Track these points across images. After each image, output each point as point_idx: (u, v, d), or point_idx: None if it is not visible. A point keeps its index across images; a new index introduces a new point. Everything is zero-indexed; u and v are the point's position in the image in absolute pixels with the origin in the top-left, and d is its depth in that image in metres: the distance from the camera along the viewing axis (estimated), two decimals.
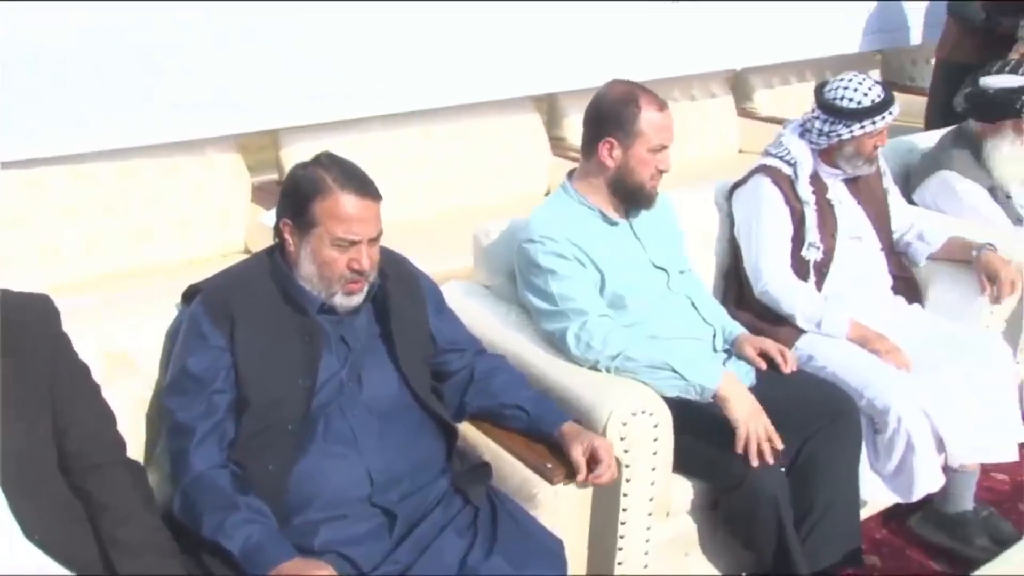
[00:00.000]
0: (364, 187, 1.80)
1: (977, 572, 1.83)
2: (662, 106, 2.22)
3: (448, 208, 3.86)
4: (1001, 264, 2.72)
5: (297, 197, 1.81)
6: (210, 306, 1.81)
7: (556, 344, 2.20)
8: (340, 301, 1.83)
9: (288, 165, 2.98)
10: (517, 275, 2.32)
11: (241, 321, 1.79)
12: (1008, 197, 3.15)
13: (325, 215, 1.78)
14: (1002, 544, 2.10)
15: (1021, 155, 3.14)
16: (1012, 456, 2.61)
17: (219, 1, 3.21)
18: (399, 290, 1.96)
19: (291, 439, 1.77)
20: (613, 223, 2.29)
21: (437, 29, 3.75)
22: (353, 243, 1.79)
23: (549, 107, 4.46)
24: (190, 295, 1.89)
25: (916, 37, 5.69)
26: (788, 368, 2.34)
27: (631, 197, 2.27)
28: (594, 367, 2.14)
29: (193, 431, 1.73)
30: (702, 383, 2.10)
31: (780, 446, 2.10)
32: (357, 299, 1.85)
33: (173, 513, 1.71)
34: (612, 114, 2.20)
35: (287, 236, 1.84)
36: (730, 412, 2.09)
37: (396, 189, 3.66)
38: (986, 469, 2.71)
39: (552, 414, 2.00)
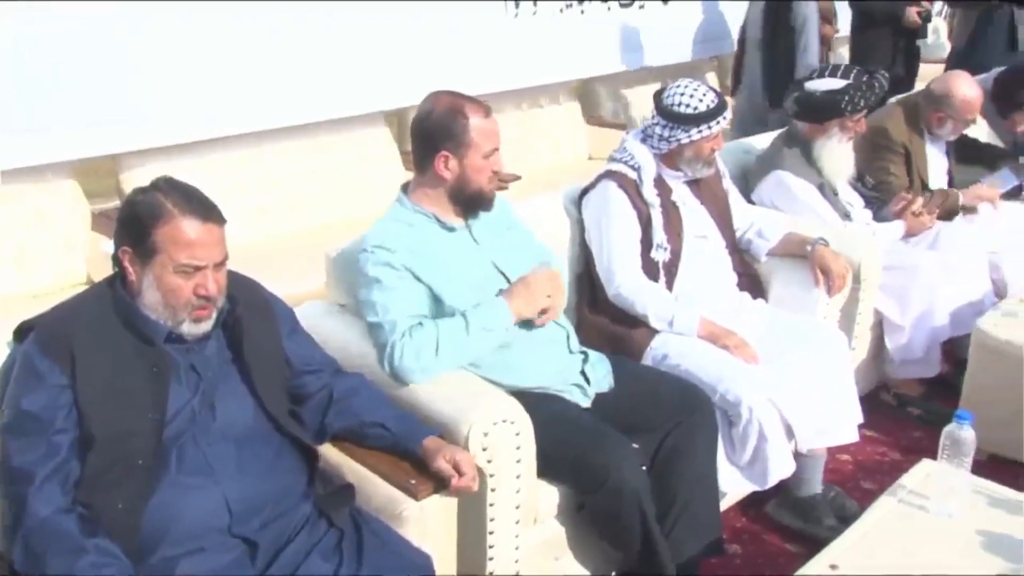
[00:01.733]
0: (206, 211, 1.75)
1: (825, 549, 1.96)
2: (487, 111, 2.25)
3: (302, 226, 3.80)
4: (832, 258, 2.87)
5: (136, 224, 1.75)
6: (46, 343, 1.72)
7: (381, 363, 2.17)
8: (188, 329, 1.78)
9: (129, 190, 2.86)
10: None
11: (82, 356, 1.70)
12: (835, 193, 3.34)
13: (166, 241, 1.72)
14: (848, 521, 2.21)
15: (846, 153, 3.33)
16: (853, 438, 2.76)
17: (55, 24, 3.06)
18: (250, 314, 1.91)
19: (142, 474, 1.70)
20: (450, 228, 2.29)
21: (281, 47, 3.70)
22: (198, 268, 1.74)
23: (399, 122, 4.45)
24: (22, 332, 1.79)
25: None
26: None
27: (472, 203, 2.29)
28: (427, 375, 2.13)
29: (33, 475, 1.63)
30: (499, 318, 2.20)
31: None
32: (206, 326, 1.79)
33: (12, 566, 1.62)
34: (442, 127, 2.21)
35: (127, 264, 1.77)
36: (520, 312, 2.23)
37: (247, 209, 3.60)
38: (831, 452, 2.85)
39: (414, 430, 2.00)
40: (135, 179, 3.25)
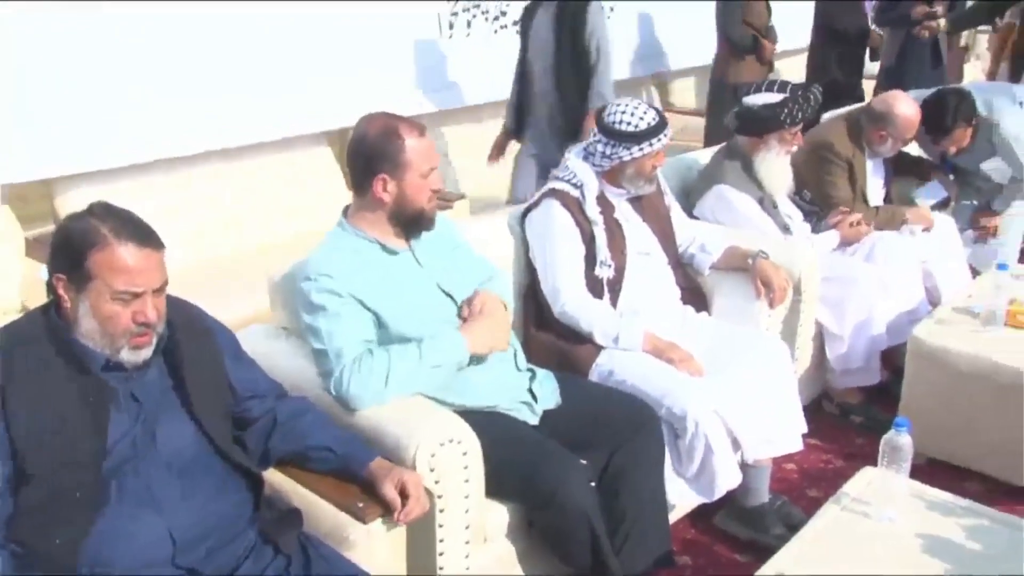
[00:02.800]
0: (144, 236, 1.72)
1: (772, 558, 1.99)
2: (422, 130, 2.24)
3: (243, 249, 3.76)
4: (773, 271, 2.92)
5: (70, 250, 1.71)
6: None
7: (328, 390, 2.14)
8: (127, 356, 1.74)
9: (64, 215, 2.80)
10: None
11: (14, 387, 1.66)
12: (775, 207, 3.40)
13: (103, 268, 1.68)
14: (795, 529, 2.23)
15: (785, 166, 3.40)
16: (798, 447, 2.80)
17: None
18: (191, 340, 1.88)
19: (81, 507, 1.66)
20: (393, 252, 2.28)
21: (219, 68, 3.66)
22: (136, 295, 1.70)
23: (341, 142, 4.43)
24: None
25: (686, 61, 6.07)
26: None
27: (413, 224, 2.28)
28: (374, 403, 2.12)
29: None
30: (454, 354, 2.20)
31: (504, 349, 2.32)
32: (145, 353, 1.76)
33: None
34: (378, 150, 2.20)
35: (61, 292, 1.72)
36: (477, 351, 2.24)
37: (187, 232, 3.55)
38: (777, 461, 2.89)
39: (360, 452, 1.98)
40: (70, 204, 3.18)
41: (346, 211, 2.33)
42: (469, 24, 4.53)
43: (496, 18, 4.68)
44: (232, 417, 1.97)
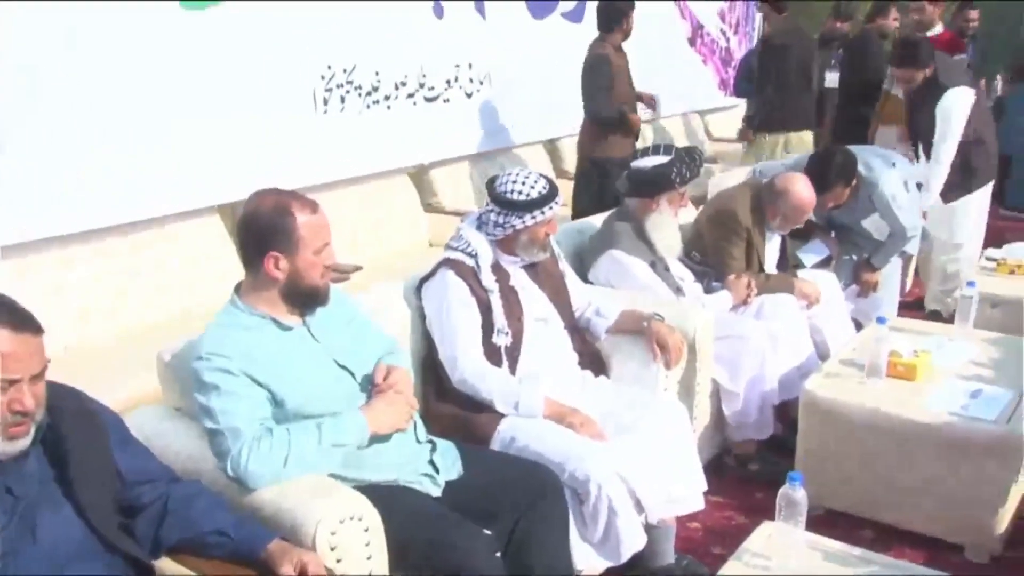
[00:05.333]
0: (19, 321, 1.65)
1: None
2: (314, 207, 2.22)
3: (129, 328, 3.63)
4: (668, 333, 2.99)
5: None
6: None
7: (224, 470, 2.08)
8: (2, 447, 1.65)
9: None
10: None
11: None
12: (667, 269, 3.49)
13: None
14: None
15: (675, 229, 3.50)
16: (700, 505, 2.84)
17: None
18: (74, 426, 1.79)
19: None
20: (288, 328, 2.24)
21: (100, 144, 3.58)
22: (12, 383, 1.62)
23: (234, 214, 4.37)
24: None
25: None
26: None
27: (307, 300, 2.24)
28: (273, 482, 2.06)
29: None
30: (354, 434, 2.17)
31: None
32: (22, 443, 1.67)
33: None
34: (269, 228, 2.16)
35: None
36: (379, 431, 2.22)
37: (67, 313, 3.42)
38: (681, 520, 2.92)
39: (257, 534, 1.92)
40: None
41: (238, 288, 2.29)
42: (343, 100, 4.66)
43: (368, 93, 4.83)
44: (120, 504, 1.88)
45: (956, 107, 4.53)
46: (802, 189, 3.81)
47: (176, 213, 3.91)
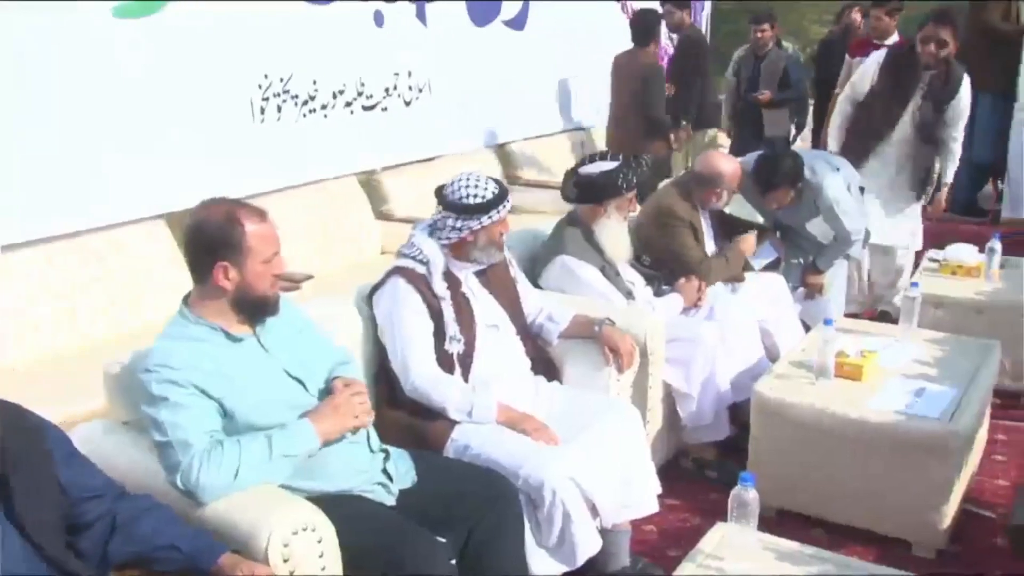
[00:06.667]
0: None
1: None
2: (263, 216, 2.20)
3: (74, 342, 3.55)
4: (619, 337, 3.01)
5: None
6: None
7: (174, 483, 2.05)
8: None
9: None
10: None
11: None
12: (617, 274, 3.51)
13: None
14: None
15: (624, 233, 3.53)
16: (654, 508, 2.87)
17: None
18: (17, 445, 1.76)
19: None
20: (237, 339, 2.21)
21: (38, 153, 3.52)
22: None
23: (182, 223, 4.31)
24: None
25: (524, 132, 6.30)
26: None
27: (256, 310, 2.22)
28: (224, 494, 2.04)
29: None
30: (304, 443, 2.15)
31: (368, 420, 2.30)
32: None
33: None
34: (218, 238, 2.14)
35: None
36: (328, 436, 2.20)
37: (13, 328, 3.34)
38: (636, 523, 2.92)
39: (208, 548, 1.90)
40: None
41: (187, 298, 2.26)
42: (279, 109, 4.66)
43: (305, 102, 4.84)
44: (67, 521, 1.84)
45: None
46: (726, 163, 4.02)
47: (121, 223, 3.85)
